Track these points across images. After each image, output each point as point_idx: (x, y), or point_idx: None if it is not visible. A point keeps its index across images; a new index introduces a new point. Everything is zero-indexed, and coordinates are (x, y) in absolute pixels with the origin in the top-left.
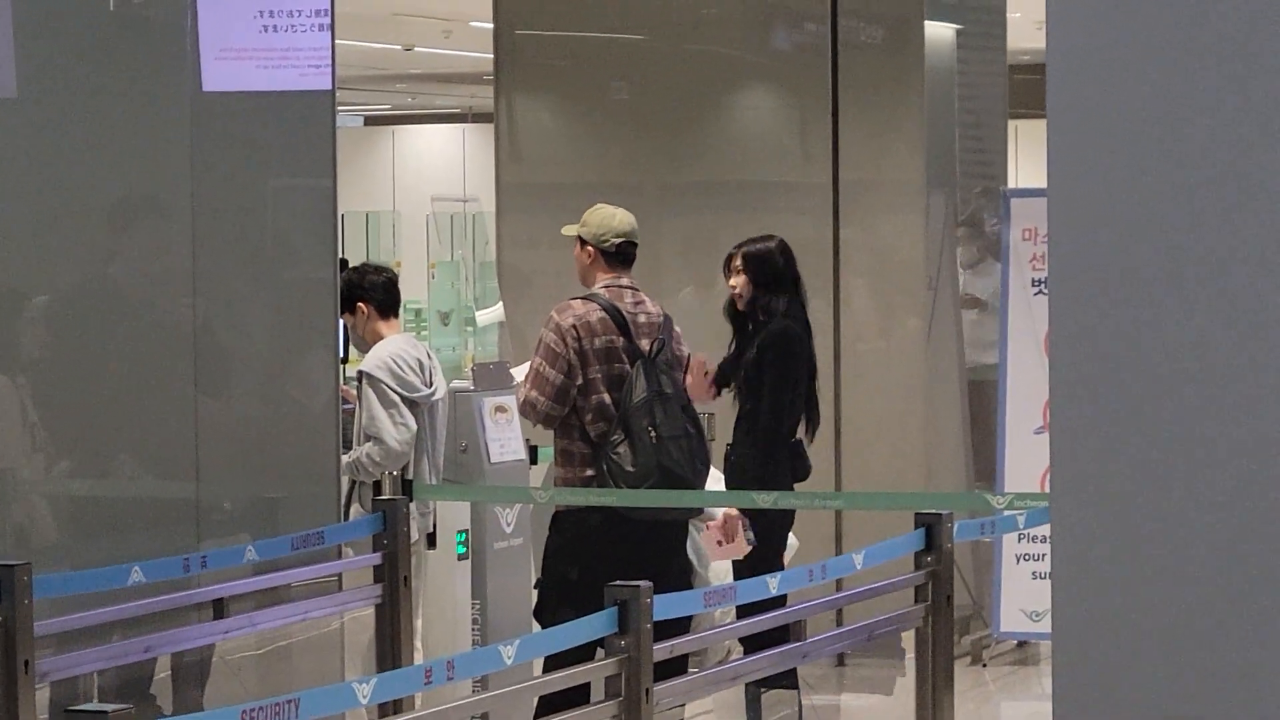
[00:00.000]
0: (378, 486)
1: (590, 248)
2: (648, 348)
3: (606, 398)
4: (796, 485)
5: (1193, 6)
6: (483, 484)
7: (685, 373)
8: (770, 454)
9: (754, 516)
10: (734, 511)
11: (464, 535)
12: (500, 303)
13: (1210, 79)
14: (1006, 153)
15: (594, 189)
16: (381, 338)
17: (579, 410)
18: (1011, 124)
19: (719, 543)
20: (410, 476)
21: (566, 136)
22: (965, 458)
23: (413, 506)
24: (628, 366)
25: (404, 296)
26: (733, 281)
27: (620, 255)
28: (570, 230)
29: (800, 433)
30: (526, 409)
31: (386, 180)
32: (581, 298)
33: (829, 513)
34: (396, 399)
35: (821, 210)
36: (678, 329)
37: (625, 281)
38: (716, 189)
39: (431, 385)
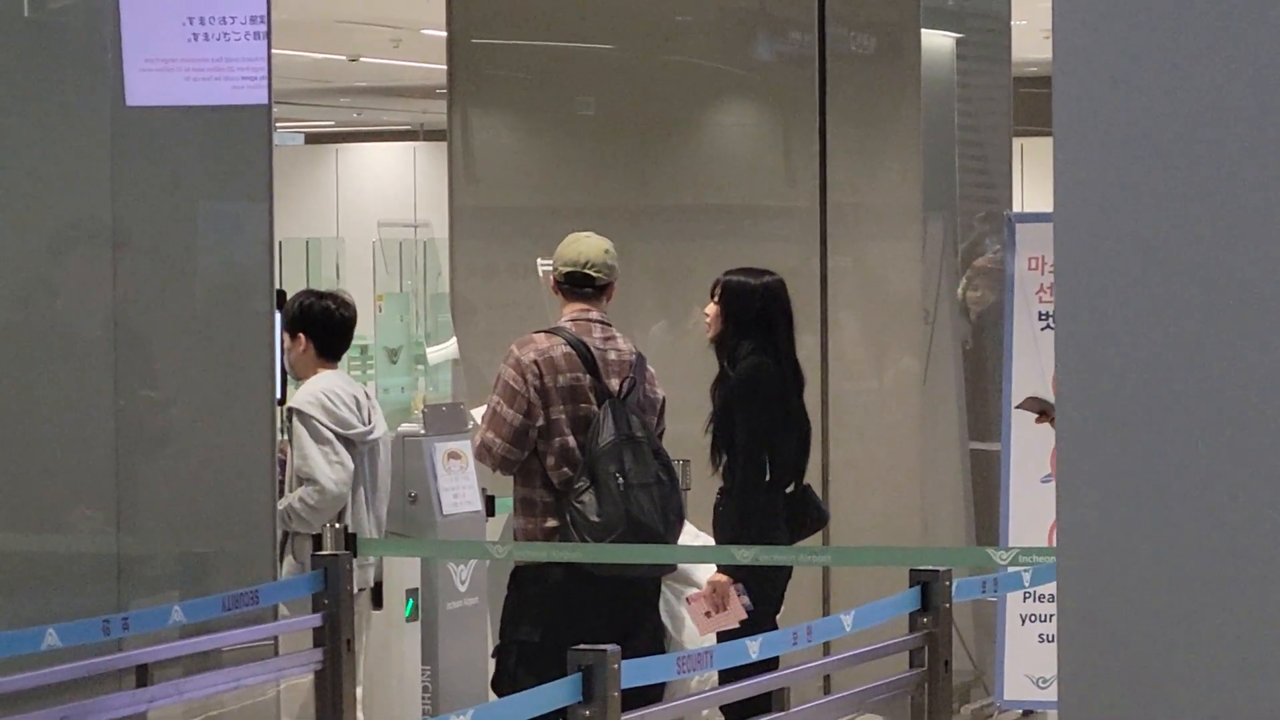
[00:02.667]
0: (317, 540)
1: (553, 278)
2: (617, 387)
3: (571, 440)
4: (808, 536)
5: (1212, 14)
6: (434, 538)
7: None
8: (750, 506)
9: (745, 577)
10: (722, 576)
11: (413, 594)
12: (454, 338)
13: (1235, 93)
14: (1011, 174)
15: (557, 213)
16: (315, 374)
17: (540, 454)
18: (1017, 142)
19: (707, 614)
20: (352, 528)
21: (527, 156)
22: (965, 509)
23: (356, 563)
24: (594, 407)
25: None
26: (707, 308)
27: (573, 286)
28: (545, 264)
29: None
30: (482, 453)
31: (329, 204)
32: (546, 331)
33: (816, 570)
34: (330, 435)
35: (807, 237)
36: (651, 369)
37: (595, 315)
38: (692, 214)
39: (370, 424)
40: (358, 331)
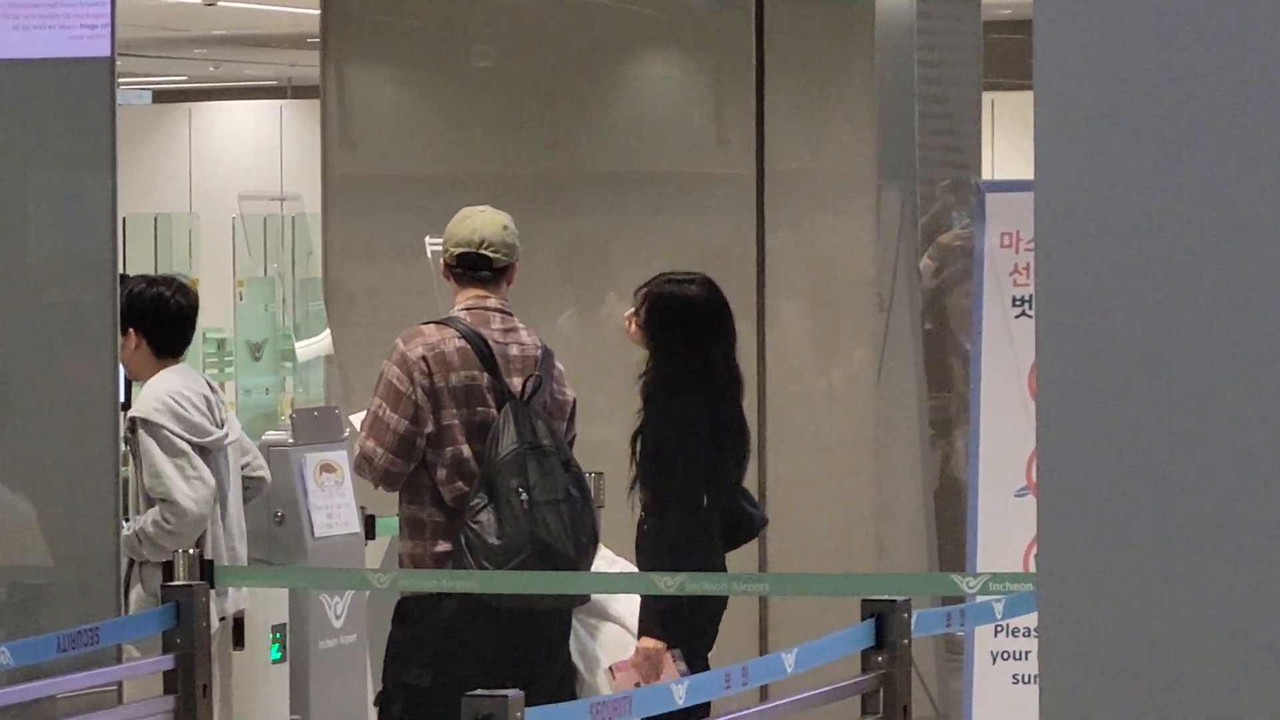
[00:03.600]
0: (167, 568)
1: (443, 259)
2: (520, 387)
3: (466, 450)
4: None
5: None
6: (304, 565)
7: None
8: (685, 535)
9: (678, 607)
10: (652, 642)
11: (279, 633)
12: (327, 331)
13: (1246, 38)
14: (980, 135)
15: (449, 184)
16: (154, 374)
17: (430, 466)
18: (987, 97)
19: (637, 685)
20: (212, 554)
21: (414, 116)
22: (927, 528)
23: (214, 594)
24: (493, 411)
25: (204, 322)
26: (627, 314)
27: (467, 269)
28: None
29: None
30: (361, 465)
31: (181, 173)
32: (436, 322)
33: (750, 600)
34: (184, 446)
35: (741, 210)
36: (560, 366)
37: (493, 303)
38: (607, 183)
39: (223, 426)
40: (215, 323)
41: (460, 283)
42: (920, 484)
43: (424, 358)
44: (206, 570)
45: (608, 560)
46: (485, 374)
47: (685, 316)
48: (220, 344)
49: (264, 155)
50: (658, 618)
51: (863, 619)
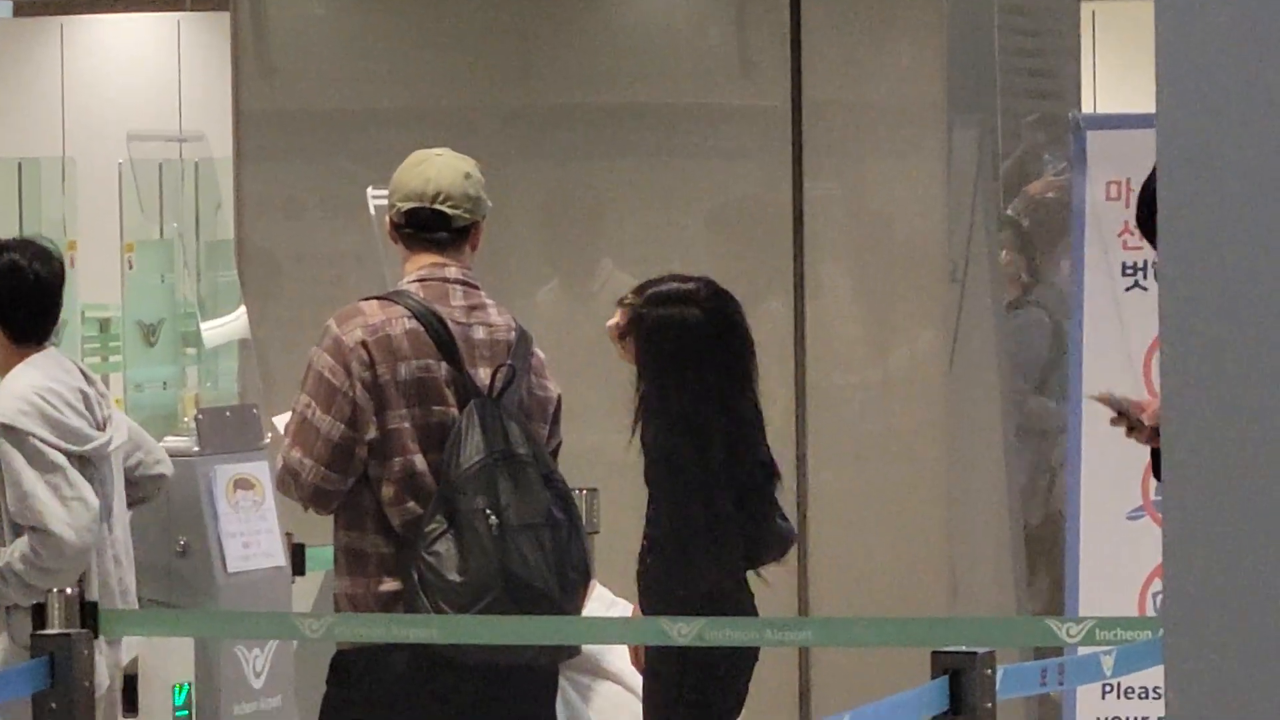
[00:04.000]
0: (39, 611)
1: (387, 217)
2: (488, 380)
3: (419, 461)
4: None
5: None
6: (214, 607)
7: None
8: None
9: (687, 660)
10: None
11: (185, 690)
12: (242, 309)
13: None
14: (1079, 57)
15: (396, 121)
16: (13, 368)
17: (373, 482)
18: (1086, 7)
19: None
20: (95, 593)
21: (349, 33)
22: (1014, 560)
23: (100, 644)
24: (454, 411)
25: (82, 297)
26: (612, 322)
27: (419, 230)
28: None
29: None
30: (285, 480)
31: (51, 106)
32: (379, 298)
33: (788, 653)
34: (59, 459)
35: (773, 153)
36: (539, 354)
37: (453, 272)
38: (598, 120)
39: (106, 428)
40: (98, 299)
41: (410, 247)
42: (1004, 502)
43: (364, 343)
44: (89, 614)
45: (605, 602)
46: (443, 364)
47: (682, 347)
48: (104, 325)
49: (157, 84)
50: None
51: (933, 676)
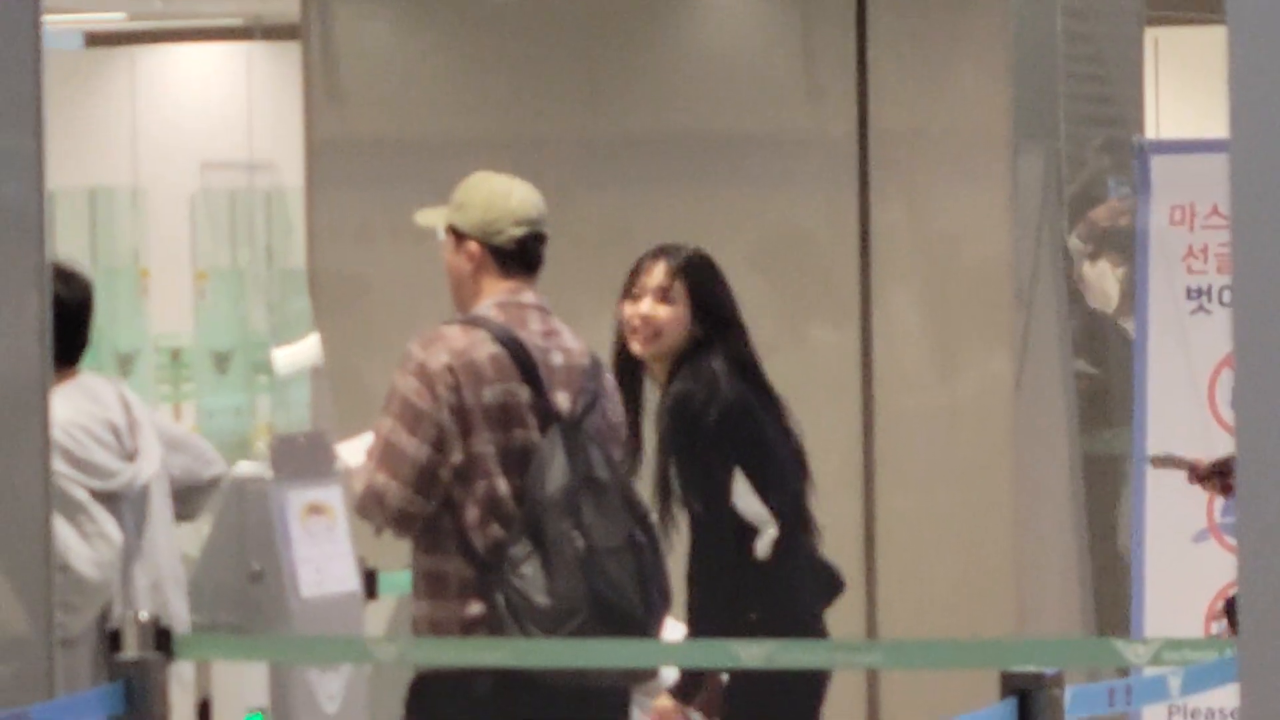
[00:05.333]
0: (114, 637)
1: (472, 244)
2: (568, 406)
3: (502, 485)
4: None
5: None
6: (287, 632)
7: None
8: (718, 585)
9: (758, 685)
10: (667, 704)
11: (259, 717)
12: (314, 335)
13: None
14: (1142, 82)
15: (463, 148)
16: None
17: (456, 506)
18: (1149, 34)
19: None
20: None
21: (418, 61)
22: (1080, 583)
23: (177, 670)
24: (535, 435)
25: (156, 327)
26: (648, 309)
27: (523, 256)
28: (432, 218)
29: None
30: (369, 504)
31: (122, 137)
32: (461, 323)
33: (857, 675)
34: (82, 496)
35: (840, 180)
36: (610, 378)
37: (530, 298)
38: (665, 147)
39: (135, 459)
40: (169, 328)
41: (486, 273)
42: (1071, 525)
43: (449, 367)
44: (164, 640)
45: (671, 629)
46: (525, 388)
47: (716, 267)
48: (175, 354)
49: (228, 113)
50: (688, 679)
51: (1001, 697)
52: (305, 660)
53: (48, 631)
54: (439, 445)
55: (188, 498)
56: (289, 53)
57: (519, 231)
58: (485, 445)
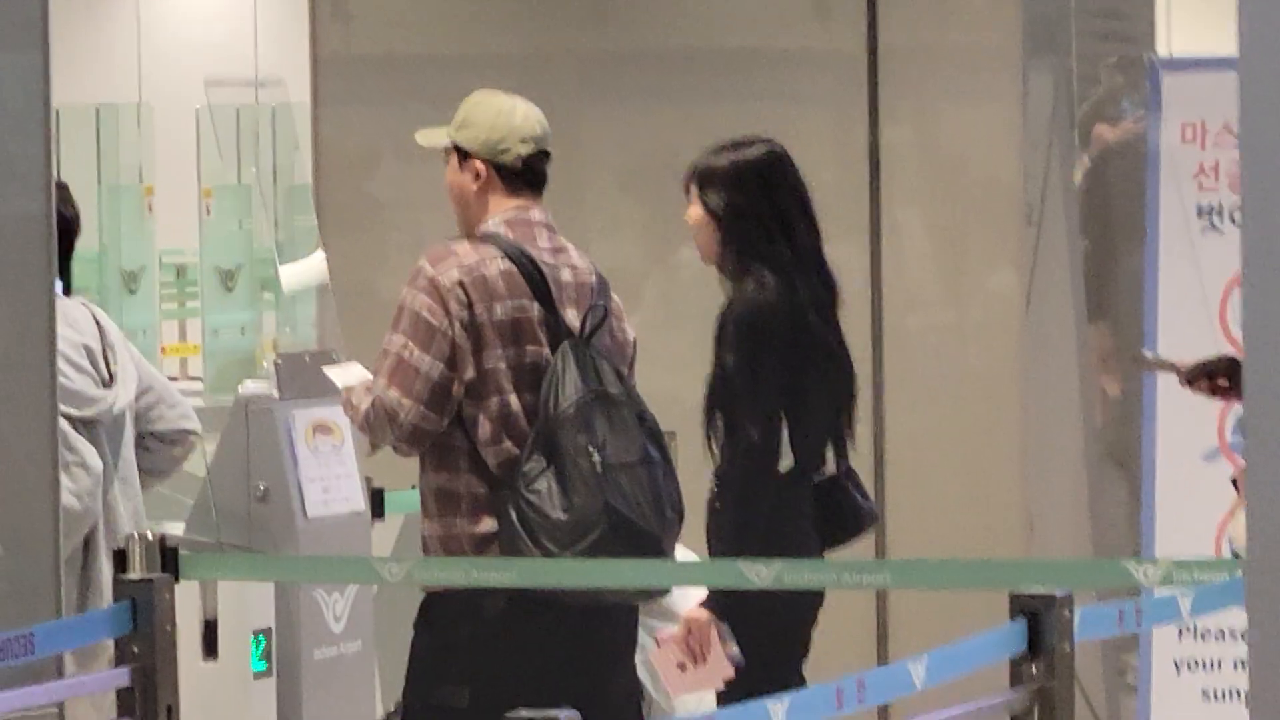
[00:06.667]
0: (119, 556)
1: (478, 162)
2: (578, 322)
3: (514, 401)
4: (842, 548)
5: None
6: (294, 552)
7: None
8: (753, 501)
9: (746, 608)
10: (701, 614)
11: (262, 639)
12: (320, 252)
13: None
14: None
15: (469, 65)
16: None
17: (468, 424)
18: None
19: (680, 666)
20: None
21: None
22: (1089, 502)
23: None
24: (546, 351)
25: (161, 242)
26: (689, 214)
27: (529, 174)
28: (435, 137)
29: (830, 465)
30: (379, 421)
31: (127, 52)
32: (472, 239)
33: (866, 595)
34: (61, 425)
35: (848, 97)
36: (617, 299)
37: (537, 215)
38: (673, 64)
39: (112, 384)
40: (175, 243)
41: (497, 192)
42: (1080, 444)
43: (460, 283)
44: (170, 559)
45: (679, 553)
46: (535, 304)
47: (749, 173)
48: (181, 270)
49: (233, 29)
50: (719, 595)
51: (1011, 618)
52: (312, 580)
53: (54, 553)
54: (452, 362)
55: (157, 450)
56: None
57: (525, 149)
58: (497, 361)
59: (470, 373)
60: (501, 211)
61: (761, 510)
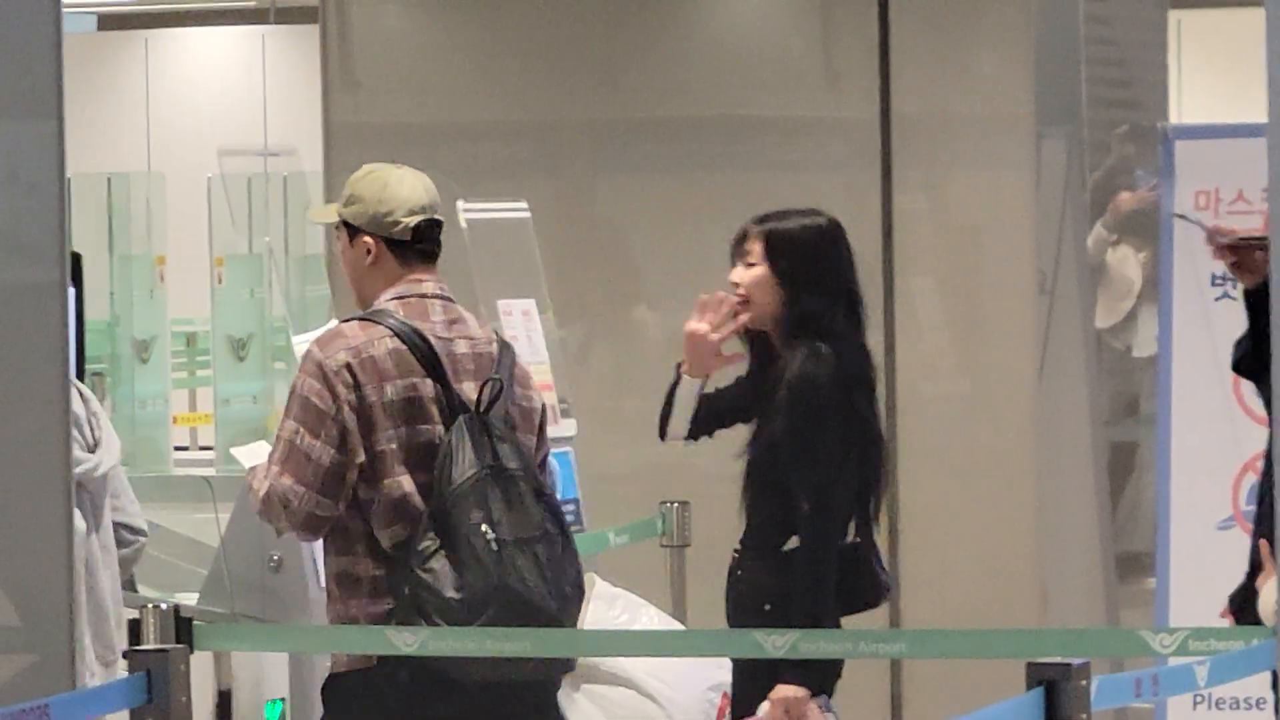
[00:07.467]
0: (134, 627)
1: (367, 237)
2: (473, 395)
3: (406, 482)
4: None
5: None
6: (308, 622)
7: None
8: (819, 580)
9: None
10: (791, 689)
11: (279, 706)
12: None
13: None
14: (1166, 69)
15: (482, 133)
16: None
17: (363, 506)
18: (1173, 17)
19: None
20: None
21: (435, 46)
22: (1104, 571)
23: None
24: (440, 429)
25: (172, 311)
26: (738, 276)
27: (420, 244)
28: (325, 214)
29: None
30: (273, 508)
31: (137, 121)
32: (361, 318)
33: (879, 665)
34: None
35: (862, 165)
36: (522, 365)
37: (430, 287)
38: (685, 132)
39: (96, 450)
40: (186, 313)
41: (389, 266)
42: (1095, 514)
43: (348, 365)
44: (184, 629)
45: (607, 598)
46: (429, 381)
47: (820, 239)
48: (191, 339)
49: (243, 97)
50: (822, 664)
51: (1028, 688)
52: (326, 650)
53: (69, 625)
54: (343, 446)
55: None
56: (303, 35)
57: (413, 220)
58: (389, 442)
59: (362, 456)
60: (394, 287)
61: (828, 578)
